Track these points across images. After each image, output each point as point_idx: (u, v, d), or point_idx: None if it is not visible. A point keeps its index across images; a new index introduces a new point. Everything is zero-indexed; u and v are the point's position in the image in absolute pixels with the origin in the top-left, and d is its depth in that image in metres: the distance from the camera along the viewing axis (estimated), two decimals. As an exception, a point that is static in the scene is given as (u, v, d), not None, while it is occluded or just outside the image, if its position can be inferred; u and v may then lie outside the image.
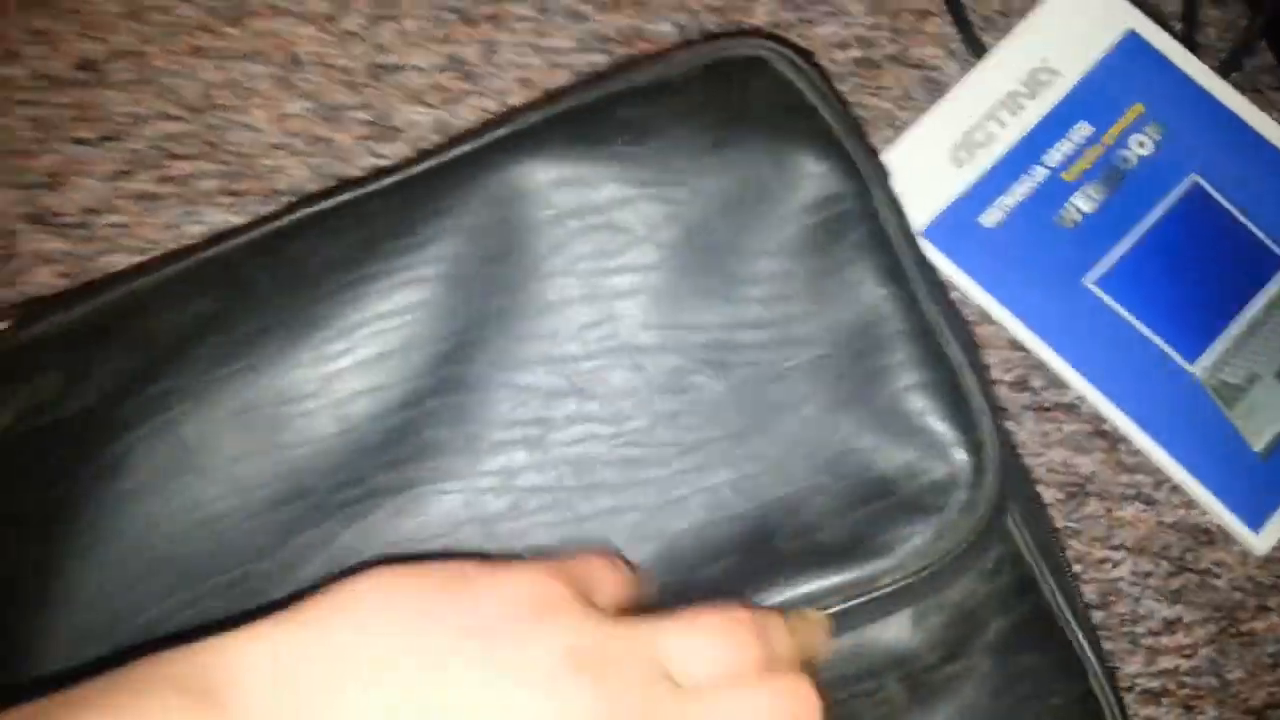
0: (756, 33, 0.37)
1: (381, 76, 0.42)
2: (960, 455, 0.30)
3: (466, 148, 0.33)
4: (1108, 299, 0.40)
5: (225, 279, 0.31)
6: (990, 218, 0.41)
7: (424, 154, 0.34)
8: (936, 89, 0.42)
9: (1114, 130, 0.41)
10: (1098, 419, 0.40)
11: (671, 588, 0.30)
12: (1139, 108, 0.42)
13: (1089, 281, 0.40)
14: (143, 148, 0.42)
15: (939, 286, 0.33)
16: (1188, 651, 0.38)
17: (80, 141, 0.42)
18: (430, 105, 0.42)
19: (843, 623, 0.30)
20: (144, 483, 0.29)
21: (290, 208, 0.33)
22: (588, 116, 0.33)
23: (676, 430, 0.31)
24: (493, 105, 0.42)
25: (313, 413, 0.30)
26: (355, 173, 0.41)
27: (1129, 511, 0.39)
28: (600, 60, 0.42)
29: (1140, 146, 0.41)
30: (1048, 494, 0.39)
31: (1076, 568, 0.38)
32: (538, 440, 0.31)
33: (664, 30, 0.42)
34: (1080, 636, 0.33)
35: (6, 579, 0.29)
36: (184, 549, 0.29)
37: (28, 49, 0.43)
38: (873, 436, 0.31)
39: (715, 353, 0.31)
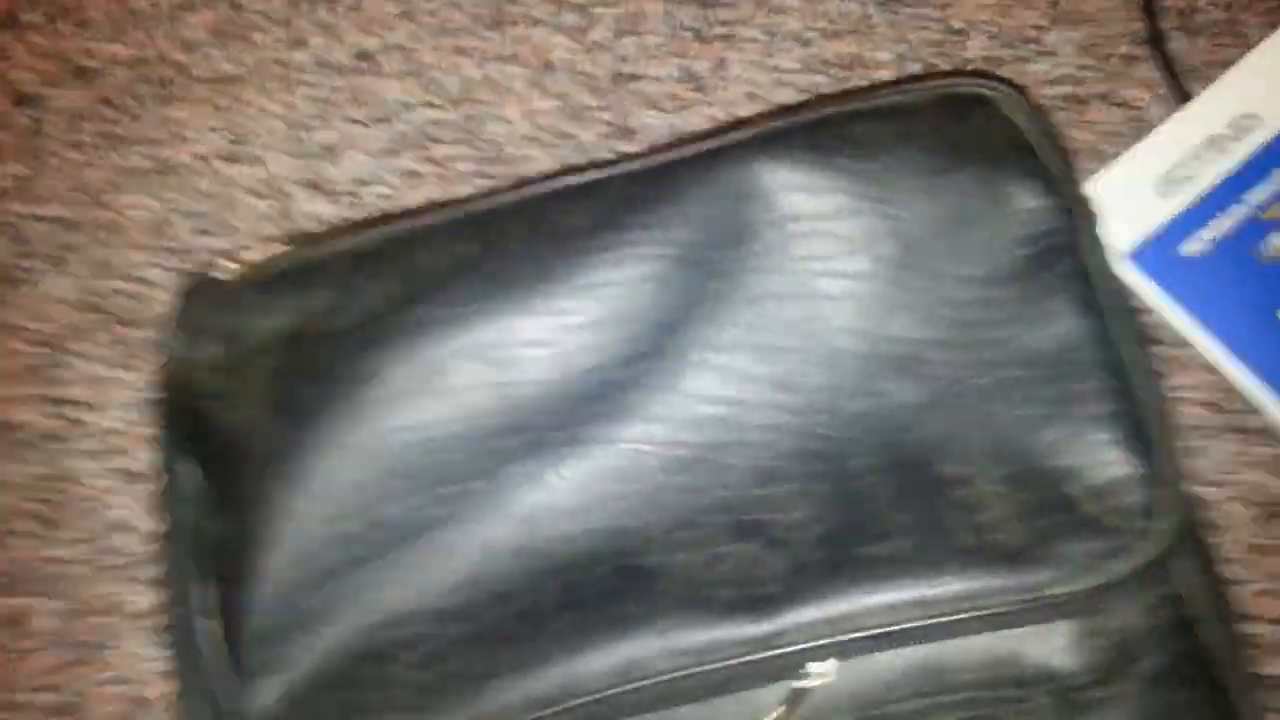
0: (983, 73, 0.39)
1: (622, 83, 0.47)
2: (1142, 488, 0.32)
3: (709, 145, 0.36)
4: (1303, 333, 0.41)
5: (486, 229, 0.35)
6: (1192, 247, 0.43)
7: (667, 146, 0.38)
8: (1142, 128, 0.45)
9: (1315, 176, 0.43)
10: (1289, 447, 0.41)
11: (841, 566, 0.32)
12: (1341, 157, 0.43)
13: (1285, 314, 0.42)
14: (408, 131, 0.47)
15: (1136, 326, 0.34)
16: (1372, 682, 0.39)
17: (354, 121, 0.47)
18: (664, 111, 0.46)
19: (1002, 624, 0.32)
20: (390, 395, 0.33)
21: (548, 177, 0.37)
22: (823, 129, 0.35)
23: (862, 431, 0.33)
24: (721, 114, 0.46)
25: (541, 359, 0.34)
26: (593, 166, 0.46)
27: (1317, 539, 0.40)
28: (822, 81, 0.46)
29: (1341, 193, 0.43)
30: (1241, 513, 0.40)
31: (1267, 584, 0.39)
32: (733, 419, 0.33)
33: (883, 58, 0.46)
34: (1237, 686, 0.33)
35: (273, 455, 0.34)
36: (415, 459, 0.33)
37: (314, 39, 0.49)
38: (1058, 457, 0.32)
39: (910, 365, 0.33)
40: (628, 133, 0.46)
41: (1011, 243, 0.34)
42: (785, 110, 0.38)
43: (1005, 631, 0.33)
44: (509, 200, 0.36)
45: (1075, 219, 0.34)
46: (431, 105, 0.47)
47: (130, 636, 0.43)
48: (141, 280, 0.47)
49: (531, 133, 0.46)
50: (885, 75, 0.46)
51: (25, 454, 0.46)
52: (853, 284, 0.34)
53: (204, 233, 0.47)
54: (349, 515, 0.33)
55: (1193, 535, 0.35)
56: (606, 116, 0.46)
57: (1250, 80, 0.44)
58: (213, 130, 0.48)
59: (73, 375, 0.47)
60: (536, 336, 0.34)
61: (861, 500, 0.32)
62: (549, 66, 0.47)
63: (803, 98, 0.46)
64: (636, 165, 0.36)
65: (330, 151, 0.47)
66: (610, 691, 0.31)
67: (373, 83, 0.48)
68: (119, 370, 0.46)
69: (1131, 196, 0.43)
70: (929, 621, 0.31)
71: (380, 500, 0.33)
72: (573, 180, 0.36)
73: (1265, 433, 0.41)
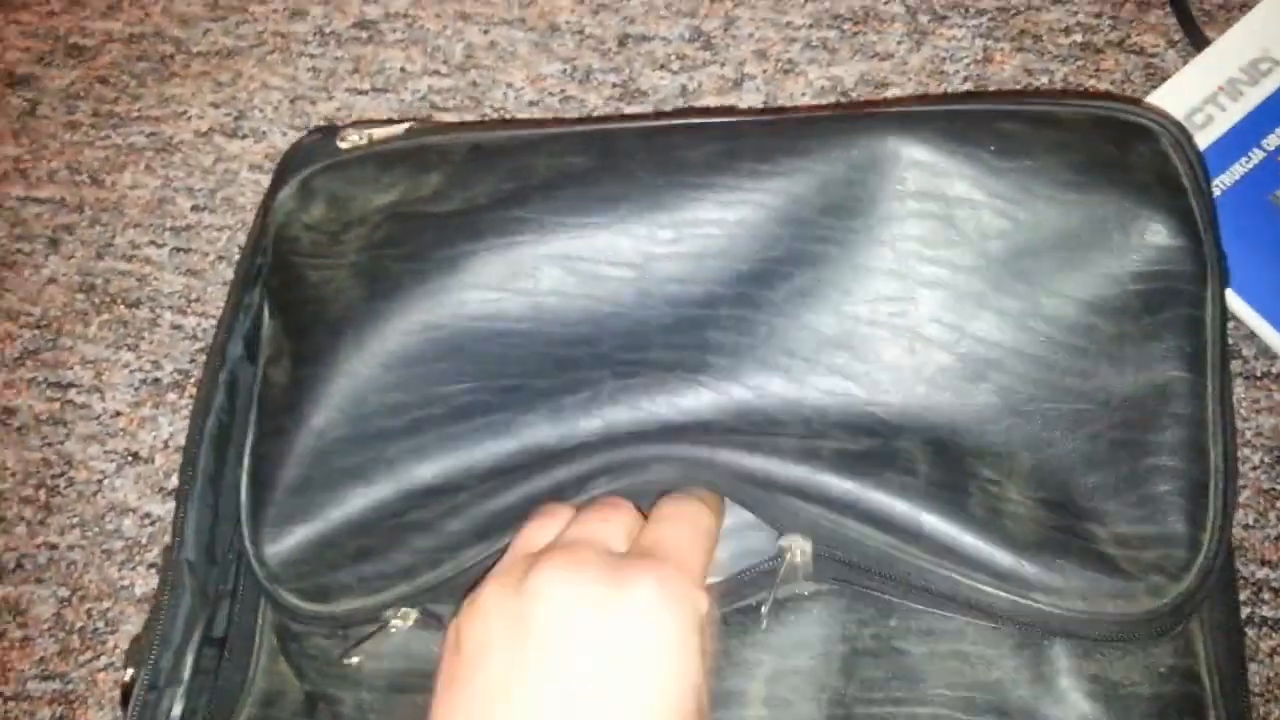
0: (1150, 107, 0.36)
1: (630, 44, 0.46)
2: (1176, 550, 0.30)
3: (847, 114, 0.35)
4: (1328, 275, 0.41)
5: (604, 147, 0.35)
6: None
7: (793, 107, 0.36)
8: (1156, 75, 0.44)
9: (1334, 118, 0.43)
10: (1316, 391, 0.40)
11: (855, 468, 0.31)
12: (1359, 98, 0.43)
13: (1310, 257, 0.41)
14: (412, 99, 0.46)
15: (1229, 392, 0.32)
16: None
17: (357, 91, 0.46)
18: (673, 71, 0.45)
19: (977, 607, 0.30)
20: (474, 284, 0.33)
21: (674, 112, 0.36)
22: (968, 118, 0.34)
23: (919, 422, 0.32)
24: (731, 73, 0.45)
25: (627, 280, 0.33)
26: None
27: (1351, 483, 0.39)
28: (832, 36, 0.45)
29: (1360, 135, 0.42)
30: (1255, 457, 0.39)
31: (1303, 525, 0.38)
32: (798, 376, 0.32)
33: (895, 11, 0.45)
34: None
35: (348, 318, 0.34)
36: (483, 348, 0.33)
37: (314, 9, 0.48)
38: (1099, 500, 0.31)
39: (986, 369, 0.32)
40: (637, 94, 0.45)
41: (1129, 276, 0.32)
42: (935, 98, 0.37)
43: (993, 657, 0.31)
44: (635, 126, 0.36)
45: (1205, 271, 0.32)
46: (435, 73, 0.46)
47: (132, 621, 0.42)
48: (142, 259, 0.46)
49: (537, 97, 0.46)
50: (898, 30, 0.45)
51: (24, 439, 0.44)
52: (952, 274, 0.33)
53: (206, 209, 0.46)
54: (408, 386, 0.33)
55: (1227, 620, 0.33)
56: (614, 79, 0.45)
57: (1266, 24, 0.44)
58: (213, 106, 0.48)
59: (72, 358, 0.45)
60: (628, 259, 0.33)
61: (895, 461, 0.31)
62: (554, 29, 0.46)
63: (814, 54, 0.45)
64: (770, 118, 0.36)
65: (334, 123, 0.46)
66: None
67: (375, 51, 0.47)
68: (120, 351, 0.45)
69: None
70: (905, 556, 0.30)
71: (441, 379, 0.33)
72: (704, 120, 0.36)
73: (1279, 378, 0.40)
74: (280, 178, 0.37)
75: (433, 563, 0.32)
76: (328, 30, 0.47)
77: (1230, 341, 0.41)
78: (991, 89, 0.44)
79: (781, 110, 0.36)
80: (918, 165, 0.33)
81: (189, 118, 0.47)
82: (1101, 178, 0.33)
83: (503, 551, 0.30)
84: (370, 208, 0.35)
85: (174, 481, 0.42)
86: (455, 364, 0.33)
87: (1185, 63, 0.44)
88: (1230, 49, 0.44)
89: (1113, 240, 0.32)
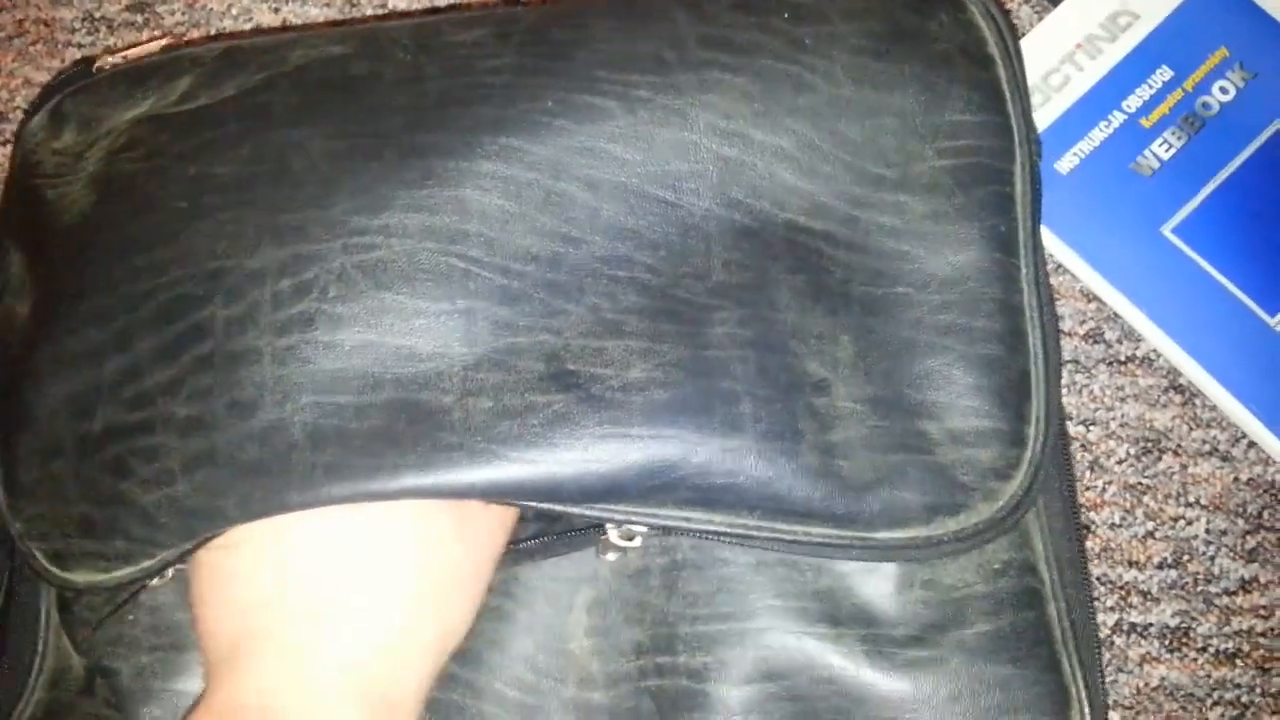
0: None
1: None
2: (1003, 446, 0.29)
3: None
4: (1186, 248, 0.39)
5: (366, 37, 0.32)
6: (1066, 164, 0.39)
7: None
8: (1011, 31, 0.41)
9: (1196, 75, 0.40)
10: (1173, 373, 0.38)
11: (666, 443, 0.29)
12: (1223, 52, 0.40)
13: (1167, 230, 0.39)
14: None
15: (1044, 273, 0.31)
16: (1264, 612, 0.37)
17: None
18: None
19: (821, 555, 0.29)
20: (217, 173, 0.30)
21: (444, 9, 0.33)
22: None
23: (730, 302, 0.29)
24: None
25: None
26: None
27: (1205, 468, 0.38)
28: None
29: (1223, 92, 0.40)
30: (1120, 449, 0.38)
31: (1149, 525, 0.37)
32: (574, 259, 0.29)
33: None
34: (1075, 667, 0.31)
35: (80, 225, 0.31)
36: (205, 227, 0.30)
37: (81, -9, 0.42)
38: (927, 390, 0.29)
39: (796, 250, 0.30)
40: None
41: (934, 152, 0.30)
42: None
43: (824, 564, 0.30)
44: (400, 24, 0.33)
45: (1014, 146, 0.31)
46: (222, 60, 0.42)
47: None
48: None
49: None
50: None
51: None
52: (748, 152, 0.30)
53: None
54: (130, 280, 0.30)
55: (1065, 504, 0.32)
56: None
57: (1124, -29, 0.41)
58: (-26, 105, 0.42)
59: None
60: (383, 129, 0.30)
61: (710, 375, 0.29)
62: (353, 4, 0.41)
63: None
64: (544, 8, 0.33)
65: (111, 122, 0.41)
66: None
67: (152, 37, 0.42)
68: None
69: (1000, 111, 0.39)
70: (741, 533, 0.29)
71: (155, 273, 0.29)
72: (472, 14, 0.33)
73: (1145, 361, 0.39)
74: (33, 110, 0.33)
75: (143, 556, 0.28)
76: (97, 15, 0.42)
77: (1093, 324, 0.39)
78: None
79: None
80: (702, 40, 0.31)
81: (-52, 120, 0.42)
82: (903, 47, 0.31)
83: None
84: (118, 121, 0.32)
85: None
86: (168, 255, 0.29)
87: (1040, 19, 0.41)
88: (1086, 3, 0.40)
89: (917, 115, 0.30)
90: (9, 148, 0.42)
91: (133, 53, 0.34)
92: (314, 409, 0.28)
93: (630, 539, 0.30)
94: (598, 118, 0.30)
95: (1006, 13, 0.32)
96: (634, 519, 0.29)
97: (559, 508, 0.28)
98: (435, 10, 0.40)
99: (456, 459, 0.28)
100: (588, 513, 0.28)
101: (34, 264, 0.31)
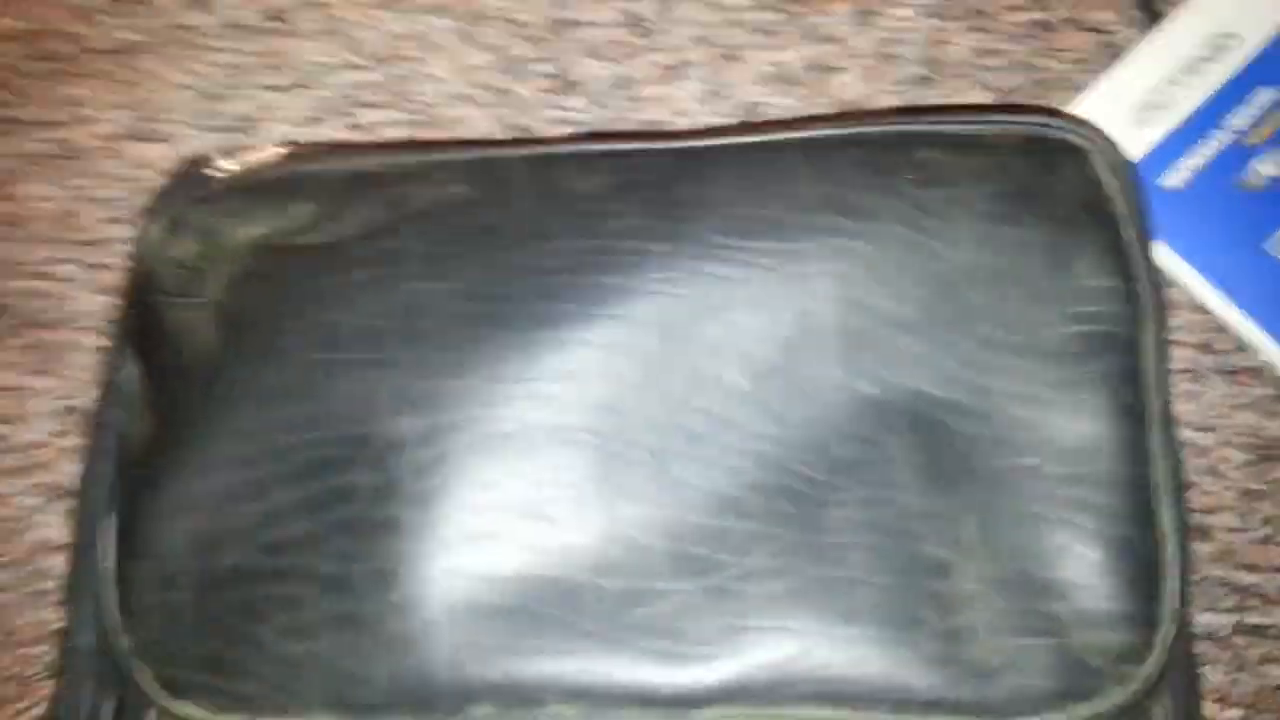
0: (1080, 120, 0.34)
1: (561, 32, 0.43)
2: (1132, 631, 0.29)
3: (747, 139, 0.33)
4: (1291, 264, 0.40)
5: (486, 175, 0.33)
6: (1173, 179, 0.40)
7: (692, 133, 0.34)
8: (1114, 53, 0.42)
9: (1298, 96, 0.41)
10: (1281, 383, 0.39)
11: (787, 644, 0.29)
12: (1324, 73, 0.41)
13: (1273, 244, 0.40)
14: (331, 95, 0.43)
15: (1174, 446, 0.31)
16: (1371, 619, 0.38)
17: (270, 88, 0.43)
18: (608, 59, 0.43)
19: None
20: (349, 323, 0.31)
21: (564, 139, 0.34)
22: (884, 148, 0.32)
23: (849, 481, 0.30)
24: (669, 60, 0.43)
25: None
26: (538, 125, 0.42)
27: (1312, 477, 0.39)
28: (774, 19, 0.43)
29: (1324, 113, 0.41)
30: (1236, 456, 0.38)
31: (1267, 530, 0.38)
32: (699, 432, 0.30)
33: (840, -10, 0.43)
34: None
35: (209, 362, 0.32)
36: (343, 386, 0.31)
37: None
38: (1055, 569, 0.29)
39: (919, 425, 0.30)
40: (570, 85, 0.42)
41: (1061, 318, 0.30)
42: (848, 117, 0.34)
43: None
44: (516, 154, 0.33)
45: (1141, 312, 0.31)
46: (355, 66, 0.43)
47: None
48: (50, 277, 0.43)
49: (465, 90, 0.43)
50: (844, 10, 0.42)
51: (-60, 473, 0.42)
52: (872, 322, 0.30)
53: (116, 220, 0.44)
54: (257, 438, 0.31)
55: (1185, 680, 0.31)
56: (546, 69, 0.43)
57: (1226, -4, 0.42)
58: (118, 108, 0.44)
59: (-15, 384, 0.43)
60: (513, 293, 0.31)
61: (829, 562, 0.29)
62: (481, 16, 0.43)
63: (756, 38, 0.43)
64: (660, 145, 0.33)
65: (249, 122, 0.43)
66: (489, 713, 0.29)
67: (287, 44, 0.44)
68: (34, 378, 0.43)
69: (1107, 128, 0.41)
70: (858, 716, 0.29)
71: (290, 428, 0.31)
72: (591, 146, 0.33)
73: (1257, 372, 0.39)
74: (150, 214, 0.35)
75: (276, 706, 0.30)
76: (235, 22, 0.44)
77: (1204, 335, 0.40)
78: (945, 73, 0.42)
79: (678, 135, 0.34)
80: (825, 200, 0.31)
81: (94, 122, 0.44)
82: (1028, 208, 0.31)
83: None
84: (238, 242, 0.33)
85: (102, 515, 0.40)
86: (308, 410, 0.31)
87: (1142, 39, 0.42)
88: (1190, 24, 0.42)
89: (1040, 280, 0.30)
90: (155, 145, 0.44)
91: (252, 157, 0.35)
92: (451, 583, 0.29)
93: None
94: (724, 287, 0.30)
95: (1130, 165, 0.32)
96: None
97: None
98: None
99: (591, 648, 0.29)
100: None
101: (154, 387, 0.33)
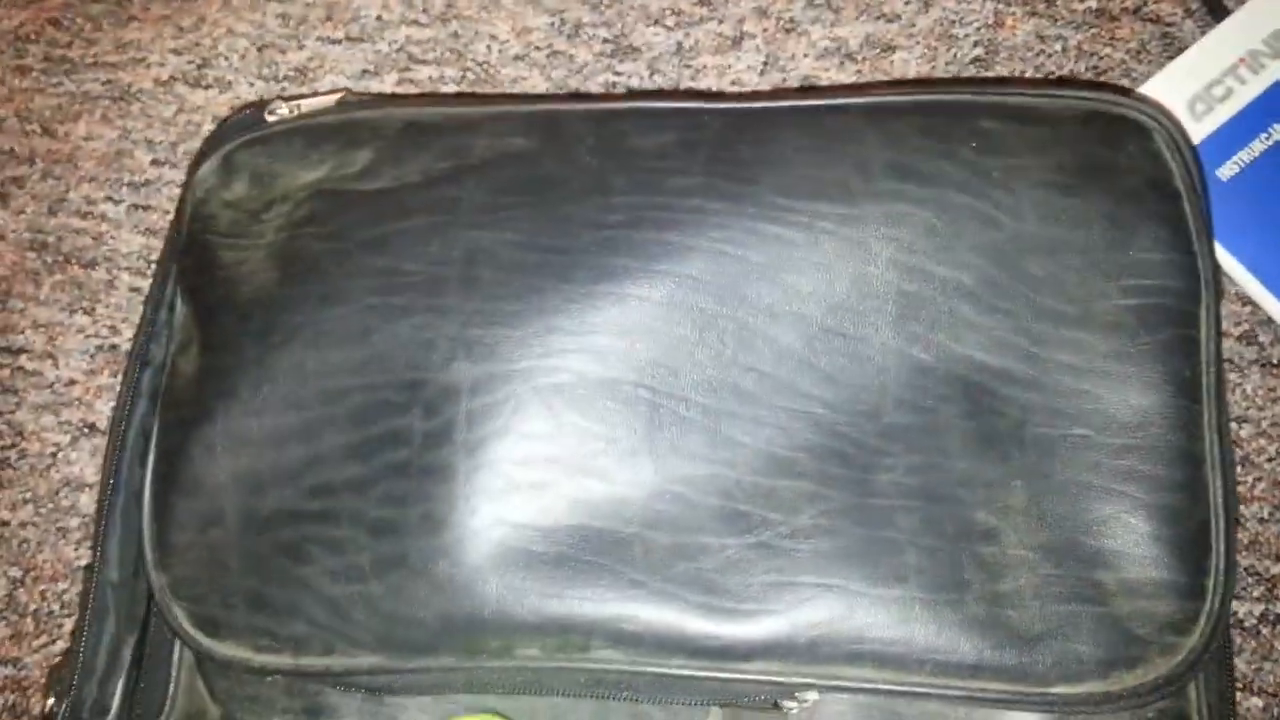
0: (1146, 100, 0.33)
1: (622, -2, 0.43)
2: (1179, 600, 0.28)
3: (813, 102, 0.33)
4: (1346, 259, 0.39)
5: (547, 129, 0.32)
6: (1226, 171, 0.40)
7: (755, 94, 0.34)
8: (1172, 45, 0.42)
9: (1357, 94, 0.41)
10: (1329, 380, 0.39)
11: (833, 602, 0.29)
12: (1383, 73, 0.41)
13: (1329, 239, 0.39)
14: (388, 50, 0.43)
15: (1226, 421, 0.30)
16: None
17: (329, 40, 0.44)
18: (668, 27, 0.43)
19: (985, 706, 0.29)
20: (408, 269, 0.31)
21: (626, 94, 0.34)
22: (949, 116, 0.32)
23: (899, 446, 0.29)
24: (729, 31, 0.43)
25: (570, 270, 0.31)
26: (594, 89, 0.42)
27: (1361, 475, 0.38)
28: (836, -3, 0.43)
29: (1382, 112, 0.41)
30: (1271, 448, 0.38)
31: (1316, 519, 0.37)
32: (754, 393, 0.30)
33: (901, -28, 0.43)
34: None
35: (259, 302, 0.32)
36: (400, 331, 0.31)
37: (283, -48, 0.45)
38: (1102, 537, 0.29)
39: (971, 392, 0.30)
40: (629, 51, 0.43)
41: (1119, 290, 0.30)
42: (914, 83, 0.34)
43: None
44: (578, 108, 0.33)
45: (1200, 288, 0.30)
46: (414, 22, 0.43)
47: (94, 602, 0.39)
48: (93, 216, 0.43)
49: (523, 51, 0.43)
50: (902, -10, 0.43)
51: (-28, 407, 0.42)
52: (929, 288, 0.30)
53: (167, 164, 0.43)
54: (311, 380, 0.30)
55: (1220, 657, 0.31)
56: (605, 33, 0.43)
57: (1287, -7, 0.42)
58: (175, 53, 0.44)
59: (23, 321, 0.43)
60: (568, 245, 0.31)
61: (877, 523, 0.29)
62: (541, -20, 0.44)
63: (818, 12, 0.43)
64: (722, 105, 0.33)
65: (303, 74, 0.43)
66: (541, 664, 0.29)
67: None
68: (74, 315, 0.42)
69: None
70: (911, 691, 0.28)
71: (351, 372, 0.30)
72: (655, 104, 0.33)
73: (1310, 362, 0.39)
74: (203, 154, 0.34)
75: (323, 646, 0.29)
76: (298, -26, 0.44)
77: (1247, 326, 0.39)
78: (1002, 55, 0.42)
79: (742, 96, 0.34)
80: (893, 165, 0.31)
81: (148, 65, 0.44)
82: (1090, 181, 0.30)
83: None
84: (295, 185, 0.33)
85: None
86: (364, 354, 0.30)
87: (1202, 32, 0.42)
88: (1251, 20, 0.42)
89: (1102, 252, 0.30)
90: (210, 91, 0.44)
91: (306, 104, 0.35)
92: (500, 529, 0.29)
93: (804, 702, 0.29)
94: (783, 248, 0.30)
95: (1190, 143, 0.32)
96: (799, 678, 0.29)
97: (723, 673, 0.29)
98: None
99: (638, 597, 0.29)
100: (754, 677, 0.29)
101: (205, 325, 0.32)
